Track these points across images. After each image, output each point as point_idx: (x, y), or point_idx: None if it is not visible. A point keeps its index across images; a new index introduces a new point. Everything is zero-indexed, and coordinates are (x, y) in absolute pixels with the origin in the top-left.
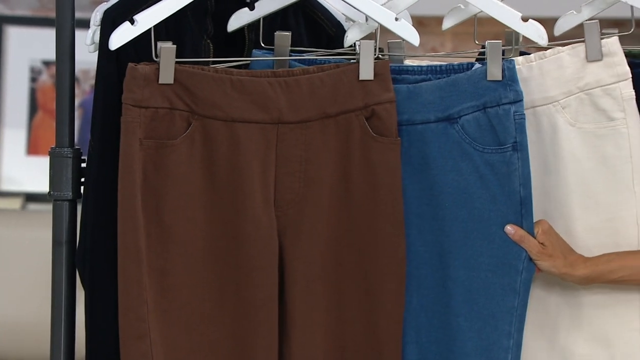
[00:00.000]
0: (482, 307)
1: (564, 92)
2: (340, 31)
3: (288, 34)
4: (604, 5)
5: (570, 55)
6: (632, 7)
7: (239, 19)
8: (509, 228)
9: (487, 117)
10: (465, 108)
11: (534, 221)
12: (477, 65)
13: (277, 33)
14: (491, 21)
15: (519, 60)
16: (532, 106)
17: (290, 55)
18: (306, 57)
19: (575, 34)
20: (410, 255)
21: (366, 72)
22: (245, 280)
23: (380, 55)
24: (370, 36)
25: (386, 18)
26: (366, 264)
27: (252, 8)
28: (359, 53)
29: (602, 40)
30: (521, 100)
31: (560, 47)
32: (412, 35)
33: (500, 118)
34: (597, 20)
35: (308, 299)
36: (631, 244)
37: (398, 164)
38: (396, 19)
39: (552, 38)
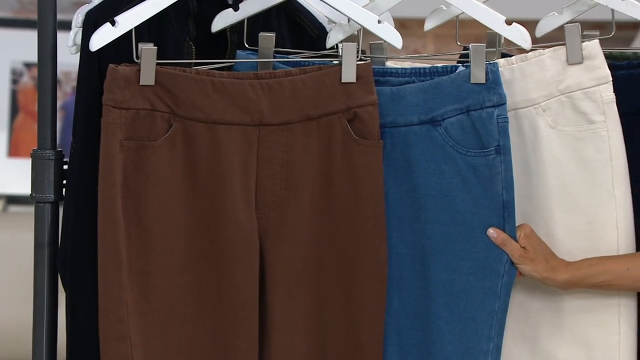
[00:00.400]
0: (463, 310)
1: (544, 94)
2: (323, 33)
3: (272, 34)
4: (584, 8)
5: (551, 58)
6: (612, 10)
7: (223, 19)
8: (492, 231)
9: (471, 120)
10: (448, 111)
11: (516, 225)
12: (461, 67)
13: (261, 34)
14: (473, 23)
15: (500, 62)
16: (514, 108)
17: (274, 56)
18: (290, 59)
19: (557, 36)
20: (392, 258)
21: (348, 74)
22: (226, 282)
23: (362, 57)
24: (352, 37)
25: (369, 20)
26: (347, 266)
27: (236, 9)
28: (342, 55)
29: (583, 44)
30: (504, 103)
31: (542, 50)
32: (394, 38)
33: (483, 121)
34: (578, 23)
35: (289, 301)
36: (611, 247)
37: (380, 166)
38: (379, 22)
39: (533, 40)
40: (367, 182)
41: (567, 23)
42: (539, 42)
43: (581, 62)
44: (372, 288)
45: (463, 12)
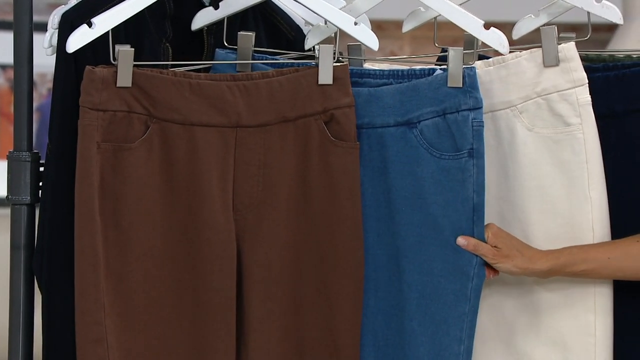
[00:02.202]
0: (435, 312)
1: (521, 97)
2: (300, 35)
3: (251, 34)
4: (560, 10)
5: (527, 61)
6: (588, 12)
7: (203, 18)
8: (461, 240)
9: (447, 123)
10: (424, 113)
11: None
12: (439, 70)
13: (240, 33)
14: (450, 25)
15: (478, 64)
16: (491, 110)
17: (253, 56)
18: (270, 59)
19: (534, 38)
20: (369, 258)
21: (325, 76)
22: (204, 284)
23: (340, 59)
24: (330, 40)
25: (345, 22)
26: (324, 268)
27: (216, 7)
28: (318, 57)
29: (559, 46)
30: (480, 107)
31: (519, 52)
32: (371, 40)
33: (458, 124)
34: (554, 26)
35: (266, 303)
36: None
37: (357, 168)
38: (355, 24)
39: (510, 42)
40: (344, 184)
41: (544, 25)
42: (515, 44)
43: (557, 65)
44: (349, 289)
45: (441, 15)
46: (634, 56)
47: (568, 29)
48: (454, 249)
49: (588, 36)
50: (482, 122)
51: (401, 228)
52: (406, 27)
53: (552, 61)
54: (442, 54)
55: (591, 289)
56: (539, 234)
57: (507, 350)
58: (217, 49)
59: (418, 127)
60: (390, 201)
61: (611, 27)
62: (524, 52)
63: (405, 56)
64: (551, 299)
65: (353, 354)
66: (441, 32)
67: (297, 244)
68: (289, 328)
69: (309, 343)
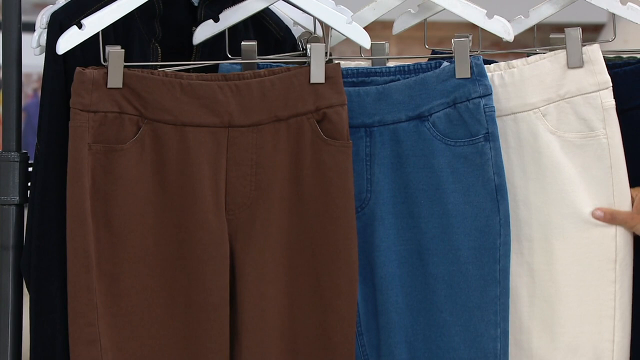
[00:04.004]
0: (466, 299)
1: (544, 99)
2: (288, 35)
3: (254, 43)
4: (551, 11)
5: (551, 62)
6: (613, 15)
7: (205, 32)
8: (597, 212)
9: (458, 112)
10: (435, 106)
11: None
12: (445, 63)
13: (243, 43)
14: (436, 25)
15: (501, 66)
16: (513, 112)
17: (258, 65)
18: (263, 61)
19: (524, 39)
20: (391, 255)
21: (317, 75)
22: (196, 284)
23: (361, 57)
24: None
25: (337, 21)
26: (318, 267)
27: (216, 20)
28: (310, 56)
29: (583, 48)
30: (490, 94)
31: (543, 54)
32: (363, 38)
33: (471, 112)
34: (579, 27)
35: (260, 303)
36: (608, 255)
37: (350, 166)
38: (347, 23)
39: (505, 45)
40: (337, 183)
41: (534, 25)
42: (509, 47)
43: (581, 66)
44: (343, 288)
45: (434, 14)
46: (624, 56)
47: (554, 30)
48: (478, 234)
49: (613, 39)
50: (494, 107)
51: (421, 221)
52: (396, 29)
53: (576, 62)
54: (433, 55)
55: (611, 295)
56: (559, 237)
57: (521, 354)
58: (220, 63)
59: (430, 120)
60: (408, 196)
61: (597, 28)
62: (548, 53)
63: (394, 56)
64: (568, 303)
65: (348, 353)
66: (428, 33)
67: (290, 243)
68: (283, 327)
69: (303, 342)
